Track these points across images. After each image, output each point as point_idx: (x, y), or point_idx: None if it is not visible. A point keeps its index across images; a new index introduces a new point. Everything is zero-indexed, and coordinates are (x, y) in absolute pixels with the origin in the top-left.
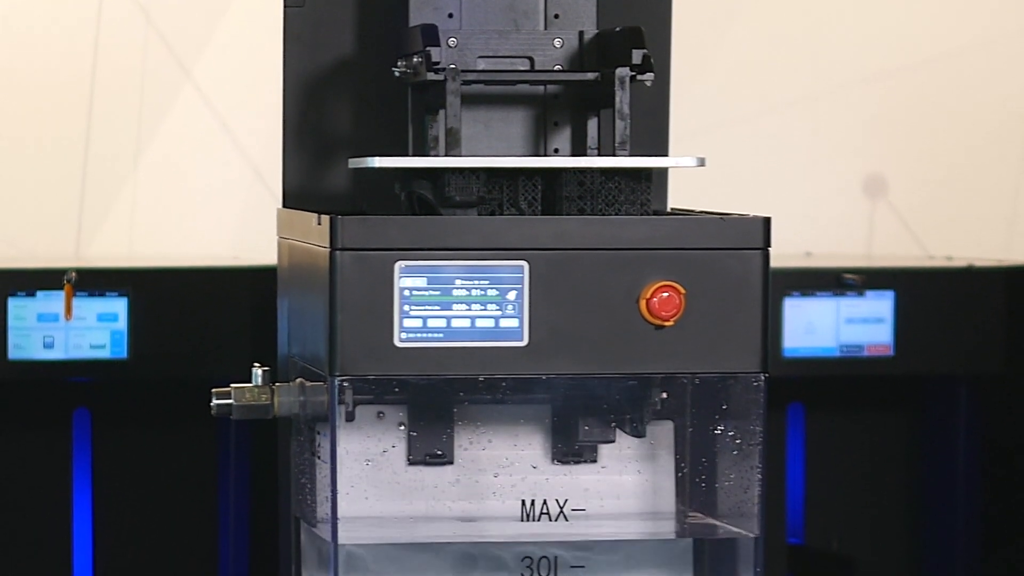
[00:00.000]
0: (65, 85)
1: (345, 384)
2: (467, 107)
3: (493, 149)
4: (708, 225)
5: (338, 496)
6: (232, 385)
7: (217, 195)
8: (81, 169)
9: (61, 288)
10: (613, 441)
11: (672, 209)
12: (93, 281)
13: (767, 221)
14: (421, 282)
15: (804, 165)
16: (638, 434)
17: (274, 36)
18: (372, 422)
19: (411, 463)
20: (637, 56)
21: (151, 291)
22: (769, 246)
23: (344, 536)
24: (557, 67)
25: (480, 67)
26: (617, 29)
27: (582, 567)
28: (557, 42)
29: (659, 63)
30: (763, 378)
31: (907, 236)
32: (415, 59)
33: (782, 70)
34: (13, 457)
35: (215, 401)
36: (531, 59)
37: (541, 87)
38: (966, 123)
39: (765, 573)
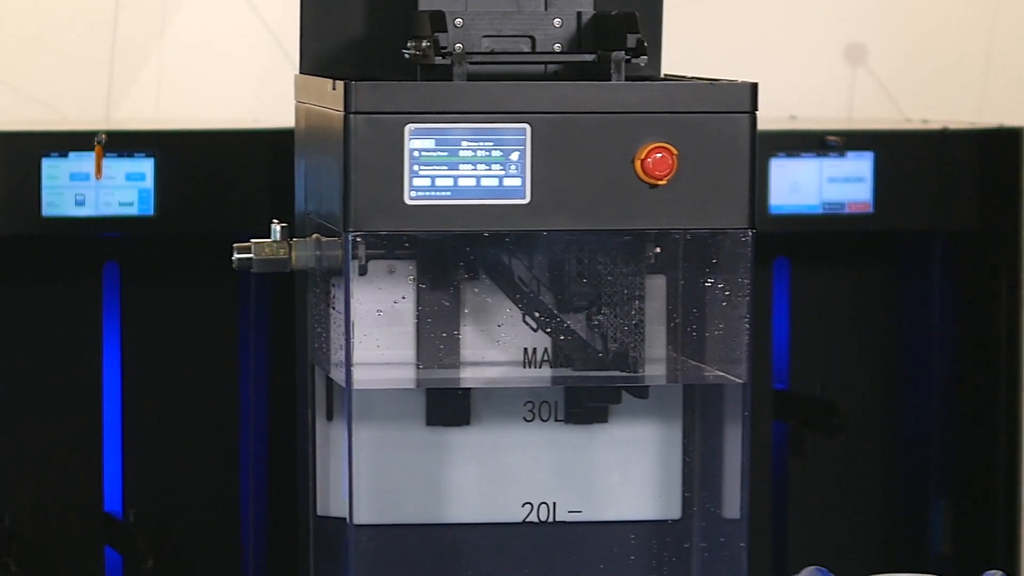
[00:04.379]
0: None
1: (358, 239)
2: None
3: None
4: (699, 90)
5: (352, 344)
6: (252, 240)
7: (238, 61)
8: (111, 37)
9: (92, 149)
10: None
11: (665, 75)
12: (122, 143)
13: (754, 86)
14: (430, 144)
15: (789, 33)
16: (641, 395)
17: None
18: (384, 276)
19: (419, 315)
20: (631, 41)
21: (176, 152)
22: (756, 110)
23: (357, 381)
24: (557, 45)
25: (485, 45)
26: (613, 13)
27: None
28: (557, 21)
29: (651, 41)
30: (750, 234)
31: (886, 100)
32: (424, 43)
33: None
34: (48, 306)
35: (236, 255)
36: (532, 38)
37: (542, 65)
38: None
39: (752, 416)
